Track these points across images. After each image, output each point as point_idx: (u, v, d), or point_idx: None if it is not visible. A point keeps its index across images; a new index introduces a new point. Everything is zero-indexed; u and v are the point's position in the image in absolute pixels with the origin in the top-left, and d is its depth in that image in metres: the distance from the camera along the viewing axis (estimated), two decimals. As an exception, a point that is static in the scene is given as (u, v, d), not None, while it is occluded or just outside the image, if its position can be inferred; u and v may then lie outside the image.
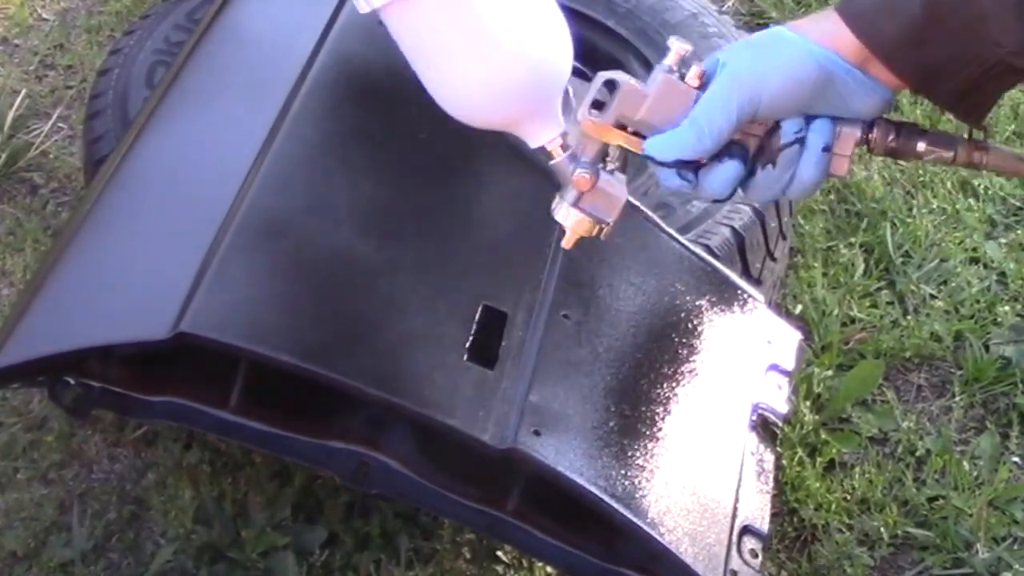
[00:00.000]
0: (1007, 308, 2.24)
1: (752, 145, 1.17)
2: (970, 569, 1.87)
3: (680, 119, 1.16)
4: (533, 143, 1.26)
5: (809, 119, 1.15)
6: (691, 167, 1.17)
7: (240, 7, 1.82)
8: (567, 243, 1.28)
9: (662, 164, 1.17)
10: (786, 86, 1.13)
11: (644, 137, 1.18)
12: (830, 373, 2.09)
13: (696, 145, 1.15)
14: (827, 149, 1.15)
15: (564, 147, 1.25)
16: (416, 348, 1.47)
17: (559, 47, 1.25)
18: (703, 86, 1.18)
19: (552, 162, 1.25)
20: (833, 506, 1.92)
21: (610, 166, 1.23)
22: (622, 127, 1.19)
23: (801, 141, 1.15)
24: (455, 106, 1.27)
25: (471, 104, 1.25)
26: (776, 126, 1.16)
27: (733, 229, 1.84)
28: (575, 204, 1.24)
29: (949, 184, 2.48)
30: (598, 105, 1.19)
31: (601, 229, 1.26)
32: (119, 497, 1.93)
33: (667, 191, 1.25)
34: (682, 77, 1.19)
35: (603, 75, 1.19)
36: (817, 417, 2.03)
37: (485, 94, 1.24)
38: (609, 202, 1.24)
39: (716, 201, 1.22)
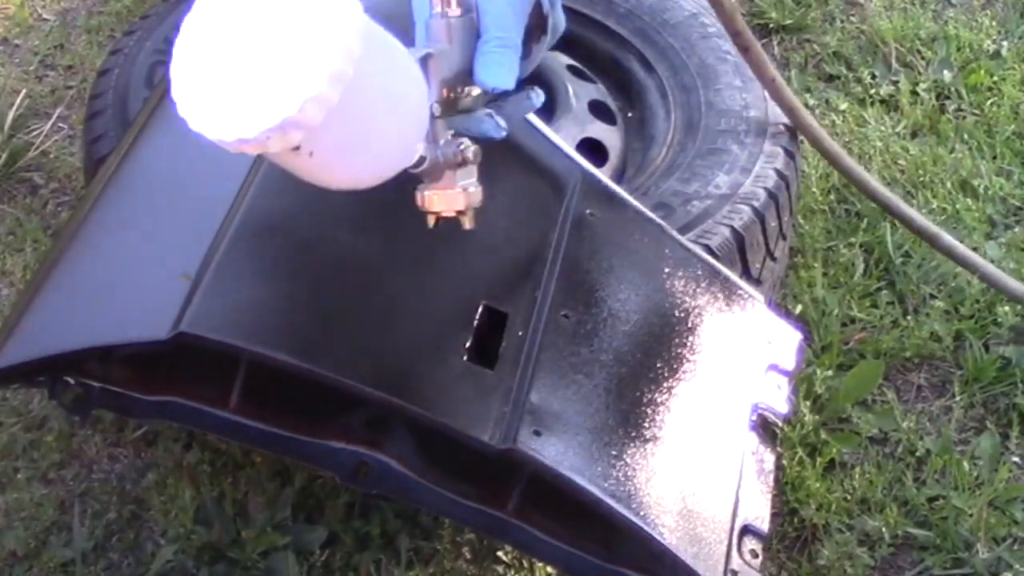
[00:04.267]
0: (1007, 308, 2.24)
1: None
2: (970, 569, 1.87)
3: (474, 49, 1.23)
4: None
5: None
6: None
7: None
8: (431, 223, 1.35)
9: (505, 91, 1.25)
10: None
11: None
12: (830, 373, 2.08)
13: (518, 59, 1.22)
14: None
15: (420, 160, 1.27)
16: (416, 348, 1.47)
17: (420, 125, 1.24)
18: (465, 11, 1.26)
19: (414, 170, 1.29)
20: (833, 506, 1.92)
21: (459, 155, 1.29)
22: (450, 94, 1.25)
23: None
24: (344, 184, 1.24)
25: (356, 183, 1.23)
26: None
27: (733, 229, 1.84)
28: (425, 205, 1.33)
29: (949, 184, 2.48)
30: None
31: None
32: (119, 497, 1.93)
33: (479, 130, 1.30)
34: (446, 16, 1.27)
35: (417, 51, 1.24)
36: (817, 417, 2.03)
37: (372, 179, 1.23)
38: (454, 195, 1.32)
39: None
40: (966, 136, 2.60)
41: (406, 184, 1.60)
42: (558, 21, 1.39)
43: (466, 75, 1.30)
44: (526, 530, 1.45)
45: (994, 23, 2.88)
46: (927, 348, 2.18)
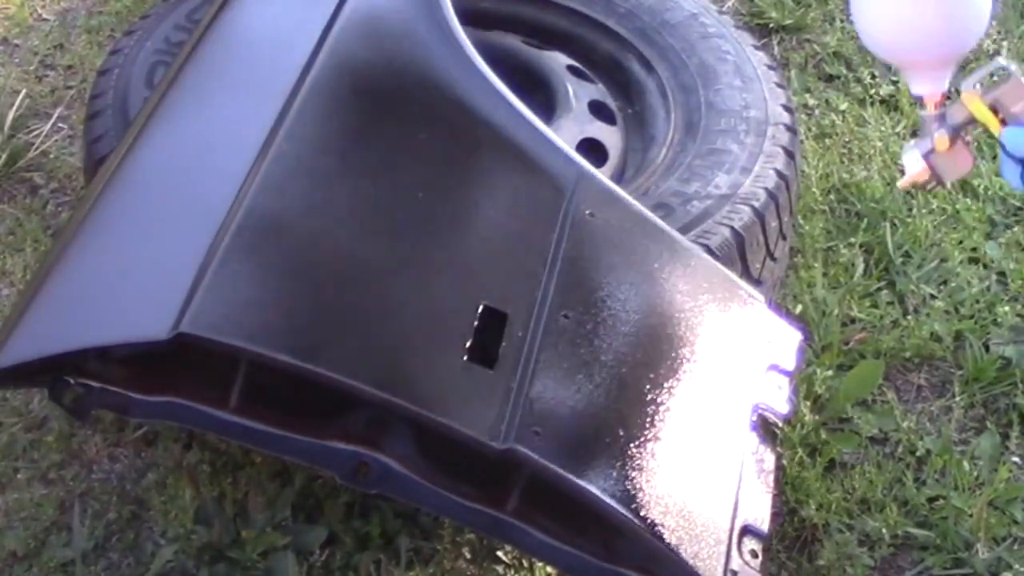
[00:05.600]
0: (1007, 308, 2.24)
1: None
2: (970, 569, 1.87)
3: None
4: (916, 89, 1.39)
5: None
6: None
7: (240, 7, 1.82)
8: (902, 184, 1.46)
9: (1010, 156, 1.32)
10: None
11: (1004, 124, 1.33)
12: (830, 373, 2.08)
13: None
14: None
15: (938, 105, 1.38)
16: (416, 348, 1.47)
17: (984, 9, 1.36)
18: None
19: (923, 112, 1.40)
20: (833, 506, 1.92)
21: (968, 137, 1.38)
22: (994, 110, 1.34)
23: None
24: (870, 34, 1.40)
25: (886, 37, 1.39)
26: None
27: (733, 229, 1.84)
28: (925, 156, 1.40)
29: (949, 184, 2.48)
30: (982, 82, 1.34)
31: (935, 184, 1.43)
32: (119, 497, 1.93)
33: (1005, 179, 1.37)
34: None
35: (1000, 60, 1.35)
36: (817, 417, 2.03)
37: (908, 33, 1.36)
38: (955, 166, 1.40)
39: None
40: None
41: (406, 184, 1.61)
42: None
43: None
44: (526, 530, 1.45)
45: (994, 23, 2.88)
46: (927, 348, 2.18)
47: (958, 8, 1.36)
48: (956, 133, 1.38)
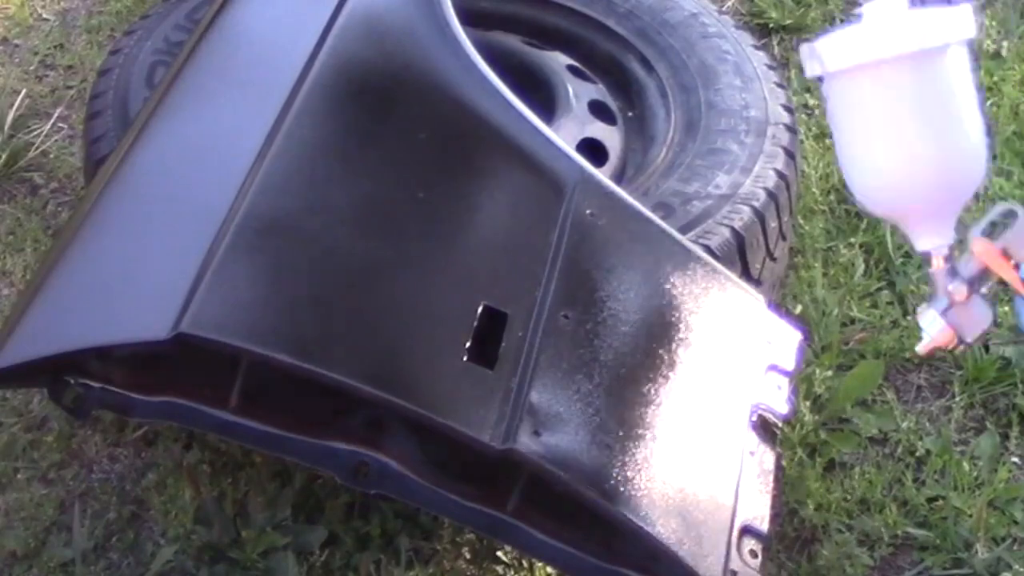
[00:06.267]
0: (1007, 308, 2.24)
1: None
2: (970, 569, 1.87)
3: None
4: (920, 246, 1.33)
5: None
6: None
7: (240, 7, 1.82)
8: (922, 349, 1.36)
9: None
10: None
11: (1018, 269, 1.27)
12: (830, 373, 2.08)
13: None
14: None
15: (946, 259, 1.32)
16: (416, 348, 1.47)
17: (981, 153, 1.32)
18: None
19: (931, 270, 1.33)
20: (833, 506, 1.92)
21: (983, 290, 1.31)
22: (1007, 256, 1.28)
23: None
24: (862, 188, 1.33)
25: (879, 189, 1.32)
26: None
27: (733, 229, 1.84)
28: (943, 314, 1.33)
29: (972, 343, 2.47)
30: (991, 229, 1.28)
31: (957, 345, 1.35)
32: (119, 497, 1.93)
33: (1021, 330, 1.33)
34: None
35: (1006, 205, 1.29)
36: (817, 417, 2.03)
37: (898, 183, 1.30)
38: (973, 322, 1.33)
39: None
40: (966, 136, 2.59)
41: (406, 184, 1.60)
42: None
43: None
44: (526, 530, 1.45)
45: (994, 23, 2.88)
46: (927, 348, 2.18)
47: (949, 154, 1.30)
48: (972, 285, 1.32)
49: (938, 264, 1.33)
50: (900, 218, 1.37)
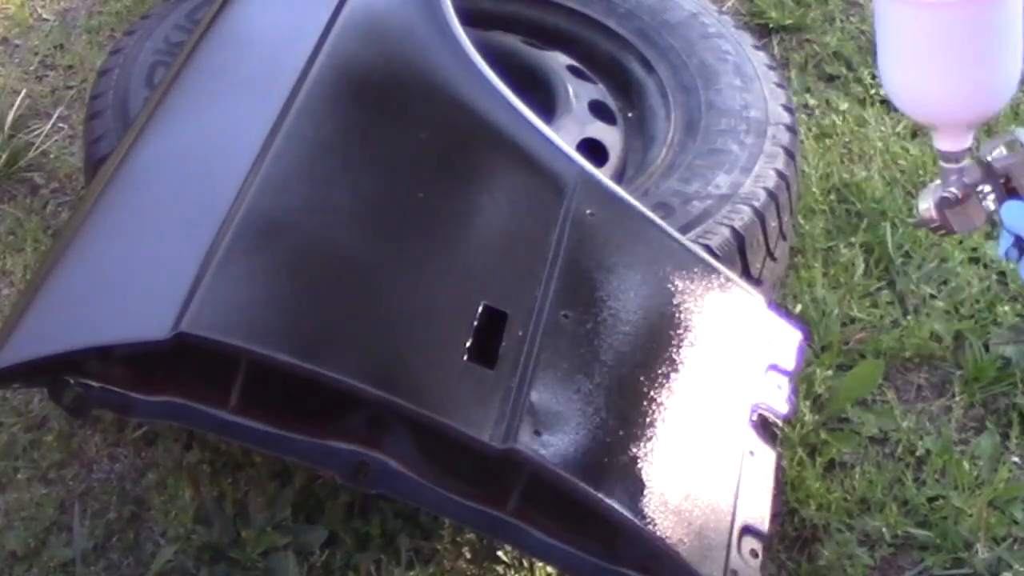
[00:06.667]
0: (1007, 308, 2.24)
1: None
2: (970, 569, 1.87)
3: None
4: (941, 145, 1.40)
5: None
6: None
7: (240, 7, 1.82)
8: (913, 222, 1.50)
9: (1007, 229, 1.34)
10: None
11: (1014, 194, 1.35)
12: (830, 373, 2.08)
13: None
14: None
15: (958, 159, 1.39)
16: (416, 348, 1.47)
17: (1016, 72, 1.36)
18: None
19: (944, 164, 1.41)
20: (833, 506, 1.92)
21: (982, 194, 1.39)
22: (1007, 179, 1.36)
23: None
24: (902, 97, 1.39)
25: (919, 101, 1.38)
26: None
27: (733, 229, 1.84)
28: (938, 204, 1.41)
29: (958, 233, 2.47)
30: (1000, 150, 1.36)
31: (944, 232, 1.45)
32: (119, 497, 1.93)
33: (999, 252, 1.38)
34: None
35: (1019, 132, 1.36)
36: (817, 417, 2.03)
37: (937, 100, 1.36)
38: (966, 219, 1.42)
39: None
40: (966, 136, 2.59)
41: (406, 184, 1.60)
42: None
43: None
44: (526, 530, 1.45)
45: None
46: (927, 348, 2.18)
47: (991, 74, 1.36)
48: (971, 189, 1.40)
49: (951, 164, 1.40)
50: (931, 123, 1.43)
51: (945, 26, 1.32)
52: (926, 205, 1.44)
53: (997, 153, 1.37)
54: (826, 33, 2.88)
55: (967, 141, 1.40)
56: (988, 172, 1.37)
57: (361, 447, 1.42)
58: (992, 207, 1.40)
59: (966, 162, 1.40)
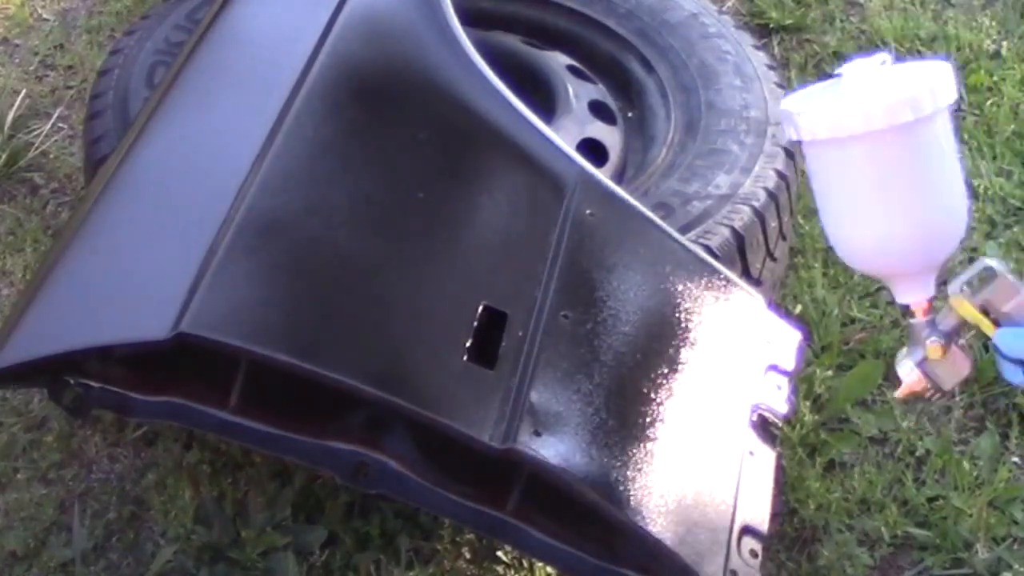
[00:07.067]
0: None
1: None
2: (970, 569, 1.87)
3: None
4: (901, 299, 1.36)
5: None
6: None
7: (240, 7, 1.82)
8: (899, 394, 1.39)
9: (1005, 357, 1.27)
10: None
11: (999, 325, 1.28)
12: (830, 373, 2.08)
13: None
14: None
15: (926, 312, 1.35)
16: (416, 348, 1.47)
17: (962, 214, 1.33)
18: None
19: (912, 320, 1.36)
20: (833, 506, 1.92)
21: (961, 340, 1.34)
22: (985, 312, 1.29)
23: None
24: (845, 249, 1.35)
25: (862, 251, 1.34)
26: None
27: (733, 229, 1.84)
28: (919, 364, 1.35)
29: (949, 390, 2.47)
30: (970, 284, 1.30)
31: (934, 393, 1.37)
32: (119, 497, 1.93)
33: (1005, 380, 1.36)
34: None
35: (985, 260, 1.30)
36: (817, 417, 2.03)
37: (886, 246, 1.32)
38: (951, 372, 1.35)
39: None
40: (966, 136, 2.59)
41: (406, 184, 1.60)
42: None
43: None
44: (526, 530, 1.45)
45: (994, 23, 2.88)
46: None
47: (935, 217, 1.31)
48: (949, 339, 1.34)
49: (919, 315, 1.36)
50: (883, 275, 1.39)
51: (874, 158, 1.27)
52: (907, 370, 1.37)
53: (966, 289, 1.31)
54: (826, 33, 2.88)
55: (928, 289, 1.35)
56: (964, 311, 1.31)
57: (361, 447, 1.42)
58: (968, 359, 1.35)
59: (936, 311, 1.35)
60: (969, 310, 1.30)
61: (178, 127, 1.66)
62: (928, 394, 1.38)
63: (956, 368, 1.36)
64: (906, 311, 1.37)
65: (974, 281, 1.31)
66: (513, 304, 1.52)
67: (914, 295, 1.35)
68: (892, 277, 1.37)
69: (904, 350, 1.39)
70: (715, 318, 1.69)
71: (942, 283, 1.38)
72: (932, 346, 1.34)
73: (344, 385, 1.37)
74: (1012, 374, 1.29)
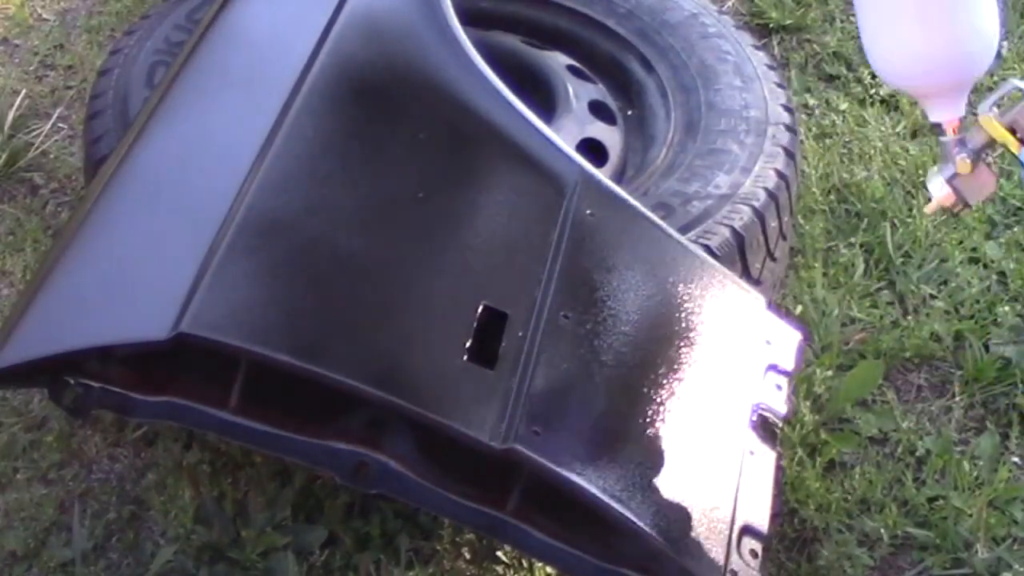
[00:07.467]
0: (1007, 308, 2.24)
1: None
2: (970, 569, 1.87)
3: None
4: (934, 117, 1.42)
5: None
6: None
7: (240, 7, 1.82)
8: (929, 209, 1.49)
9: None
10: None
11: None
12: (830, 373, 2.08)
13: None
14: None
15: (957, 130, 1.41)
16: (416, 348, 1.47)
17: (993, 37, 1.39)
18: None
19: (943, 138, 1.43)
20: (833, 506, 1.92)
21: (988, 158, 1.41)
22: (1012, 131, 1.36)
23: None
24: (882, 64, 1.41)
25: (898, 67, 1.41)
26: None
27: (733, 229, 1.84)
28: (949, 180, 1.43)
29: (974, 205, 2.47)
30: (999, 104, 1.38)
31: (961, 207, 1.46)
32: (119, 497, 1.93)
33: None
34: None
35: (1014, 81, 1.38)
36: (817, 417, 2.03)
37: (919, 61, 1.39)
38: (978, 187, 1.43)
39: None
40: (966, 136, 2.60)
41: (406, 184, 1.60)
42: None
43: None
44: (526, 530, 1.45)
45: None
46: (927, 348, 2.18)
47: (967, 35, 1.38)
48: (977, 156, 1.41)
49: (949, 134, 1.42)
50: (916, 91, 1.46)
51: None
52: (938, 186, 1.44)
53: (995, 110, 1.38)
54: (826, 33, 2.88)
55: (959, 108, 1.41)
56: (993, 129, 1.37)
57: (361, 447, 1.42)
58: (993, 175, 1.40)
59: (965, 129, 1.41)
60: (997, 129, 1.37)
61: (178, 127, 1.66)
62: (956, 208, 1.46)
63: (982, 184, 1.43)
64: (937, 129, 1.43)
65: (1003, 101, 1.39)
66: (513, 304, 1.52)
67: (946, 113, 1.42)
68: (925, 95, 1.43)
69: (934, 168, 1.46)
70: (715, 318, 1.69)
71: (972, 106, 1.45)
72: (961, 161, 1.41)
73: (344, 385, 1.37)
74: None
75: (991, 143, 1.40)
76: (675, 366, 1.60)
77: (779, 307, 2.09)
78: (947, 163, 1.44)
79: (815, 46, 2.85)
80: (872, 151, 2.56)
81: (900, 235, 2.36)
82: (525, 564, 1.82)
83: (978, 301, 2.26)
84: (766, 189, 1.91)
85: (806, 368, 2.06)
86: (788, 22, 2.89)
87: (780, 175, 1.94)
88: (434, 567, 1.82)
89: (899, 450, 2.03)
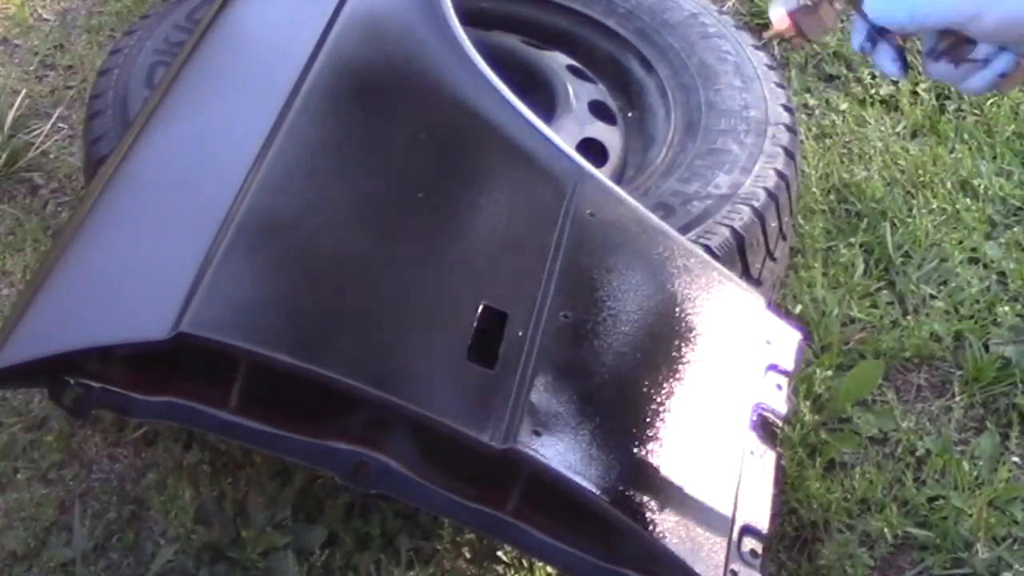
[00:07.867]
0: (1007, 308, 2.24)
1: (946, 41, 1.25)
2: (970, 569, 1.87)
3: None
4: None
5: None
6: (880, 34, 1.28)
7: (240, 7, 1.82)
8: (767, 35, 1.45)
9: (864, 18, 1.27)
10: (1006, 21, 1.16)
11: None
12: (830, 373, 2.09)
13: (902, 22, 1.22)
14: (1003, 75, 1.23)
15: None
16: (416, 348, 1.47)
17: None
18: None
19: None
20: (833, 506, 1.92)
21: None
22: None
23: (986, 62, 1.23)
24: None
25: None
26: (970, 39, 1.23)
27: (733, 229, 1.84)
28: (791, 12, 1.39)
29: (949, 184, 2.48)
30: None
31: (799, 41, 1.41)
32: (119, 497, 1.93)
33: (854, 45, 1.36)
34: None
35: None
36: (817, 417, 2.03)
37: None
38: (818, 24, 1.39)
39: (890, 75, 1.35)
40: (966, 136, 2.60)
41: (406, 184, 1.60)
42: (972, 85, 1.36)
43: None
44: (525, 530, 1.45)
45: None
46: (927, 348, 2.18)
47: None
48: None
49: None
50: None
51: None
52: (779, 14, 1.41)
53: None
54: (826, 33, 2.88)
55: None
56: None
57: (361, 447, 1.42)
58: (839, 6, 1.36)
59: None
60: None
61: (178, 127, 1.66)
62: (794, 41, 1.44)
63: (822, 19, 1.39)
64: None
65: None
66: (513, 304, 1.52)
67: None
68: None
69: None
70: (715, 318, 1.69)
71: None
72: None
73: (344, 385, 1.37)
74: (859, 40, 1.30)
75: None
76: (675, 366, 1.60)
77: (779, 307, 2.09)
78: None
79: (815, 46, 2.85)
80: (872, 151, 2.56)
81: (900, 235, 2.36)
82: (525, 564, 1.82)
83: (978, 301, 2.26)
84: (766, 189, 1.91)
85: (806, 368, 2.06)
86: (788, 22, 2.88)
87: (780, 175, 1.94)
88: (434, 567, 1.82)
89: (899, 450, 2.03)
